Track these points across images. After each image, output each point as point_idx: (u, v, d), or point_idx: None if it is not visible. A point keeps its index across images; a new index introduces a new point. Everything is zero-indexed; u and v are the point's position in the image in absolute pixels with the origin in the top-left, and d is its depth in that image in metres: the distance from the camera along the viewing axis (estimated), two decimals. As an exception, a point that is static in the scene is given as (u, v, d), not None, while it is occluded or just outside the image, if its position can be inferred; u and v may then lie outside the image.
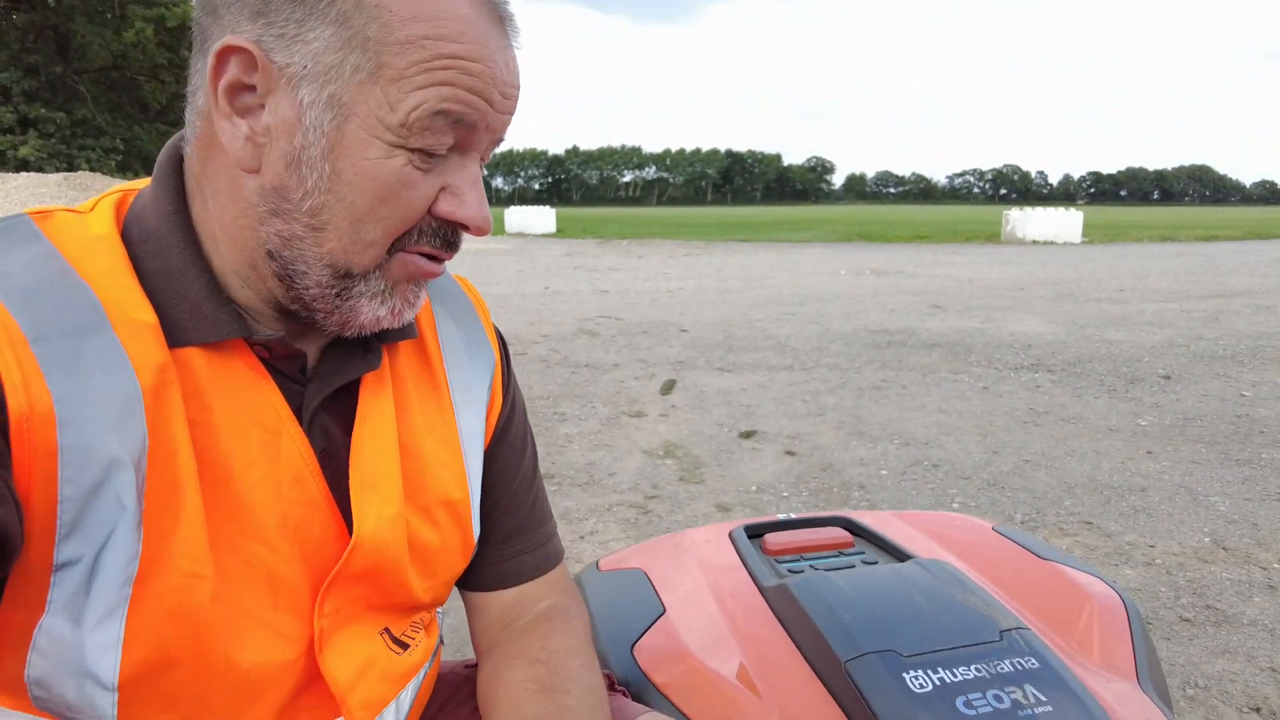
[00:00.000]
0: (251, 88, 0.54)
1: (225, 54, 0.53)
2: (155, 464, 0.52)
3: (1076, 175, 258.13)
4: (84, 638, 0.51)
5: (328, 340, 0.65)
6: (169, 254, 0.57)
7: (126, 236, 0.57)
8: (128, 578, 0.51)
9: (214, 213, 0.58)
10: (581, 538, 2.80)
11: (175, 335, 0.55)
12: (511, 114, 0.59)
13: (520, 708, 0.67)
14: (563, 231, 26.90)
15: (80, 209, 0.59)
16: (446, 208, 0.58)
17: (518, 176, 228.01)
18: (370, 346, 0.65)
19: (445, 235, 0.59)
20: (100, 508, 0.50)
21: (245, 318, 0.59)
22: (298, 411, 0.61)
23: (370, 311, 0.59)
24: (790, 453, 3.75)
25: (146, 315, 0.54)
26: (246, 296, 0.59)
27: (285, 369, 0.61)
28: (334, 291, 0.57)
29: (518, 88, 0.58)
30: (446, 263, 0.63)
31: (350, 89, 0.53)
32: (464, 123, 0.55)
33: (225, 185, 0.57)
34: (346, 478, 0.63)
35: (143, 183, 0.62)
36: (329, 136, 0.53)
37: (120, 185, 0.63)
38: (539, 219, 27.73)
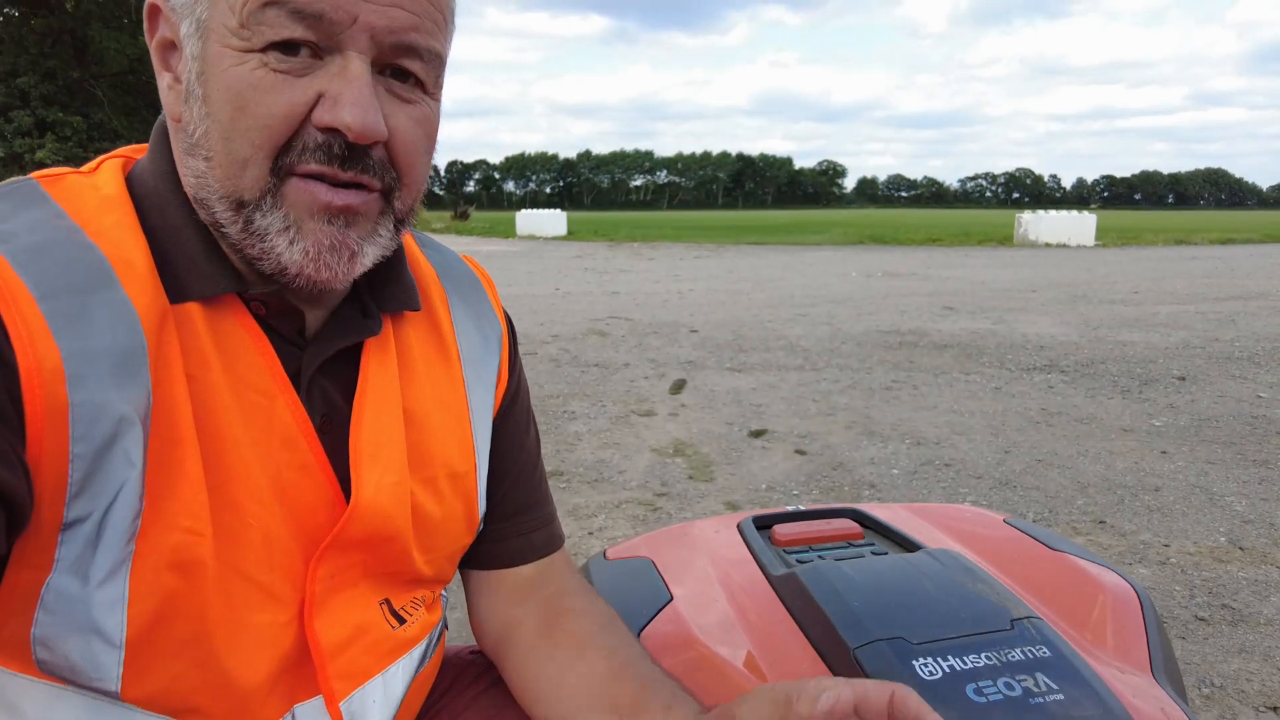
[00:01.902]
0: (174, 42, 0.56)
1: (151, 14, 0.57)
2: (158, 420, 0.52)
3: (1090, 179, 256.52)
4: (91, 594, 0.51)
5: (329, 308, 0.64)
6: (167, 211, 0.57)
7: (131, 196, 0.58)
8: (132, 534, 0.51)
9: (180, 174, 0.58)
10: (590, 534, 2.80)
11: (175, 291, 0.55)
12: (402, 7, 0.53)
13: (592, 642, 0.72)
14: (573, 234, 26.93)
15: (84, 170, 0.59)
16: (319, 112, 0.53)
17: (529, 180, 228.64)
18: (369, 313, 0.65)
19: (331, 149, 0.53)
20: (110, 465, 0.50)
21: (241, 275, 0.59)
22: (295, 375, 0.61)
23: (286, 252, 0.54)
24: (800, 452, 3.73)
25: (149, 269, 0.54)
26: (235, 257, 0.59)
27: (282, 329, 0.61)
28: (240, 227, 0.55)
29: None
30: (369, 195, 0.57)
31: (207, 7, 0.53)
32: (308, 13, 0.51)
33: (175, 143, 0.58)
34: (348, 444, 0.62)
35: (141, 149, 0.63)
36: (199, 60, 0.53)
37: (121, 150, 0.63)
38: (550, 222, 27.78)
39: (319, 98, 0.53)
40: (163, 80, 0.57)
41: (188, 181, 0.57)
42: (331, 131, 0.53)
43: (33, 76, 27.68)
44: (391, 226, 0.60)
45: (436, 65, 0.57)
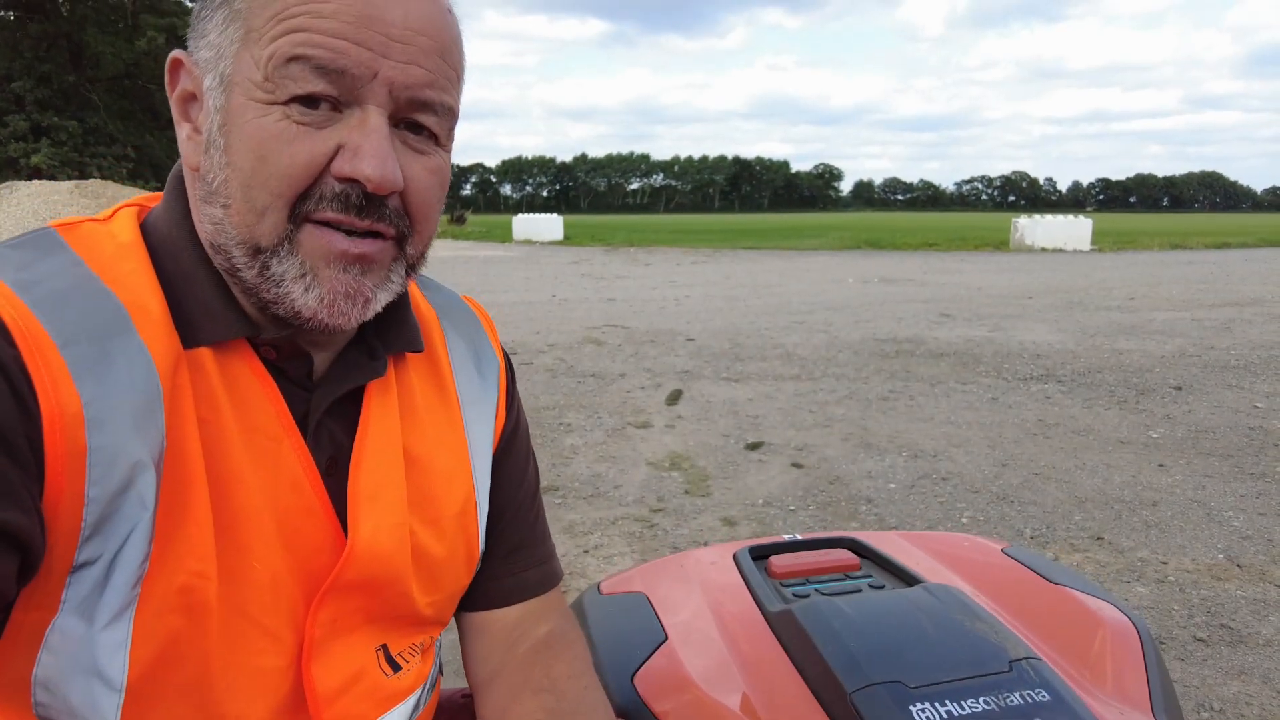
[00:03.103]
0: (195, 94, 0.58)
1: (173, 68, 0.59)
2: (170, 464, 0.53)
3: (1085, 182, 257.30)
4: (95, 636, 0.51)
5: (336, 350, 0.65)
6: (180, 258, 0.58)
7: (145, 244, 0.59)
8: (139, 577, 0.52)
9: (195, 221, 0.60)
10: (586, 551, 2.78)
11: (188, 336, 0.56)
12: (419, 64, 0.55)
13: None
14: (570, 239, 26.95)
15: (99, 218, 0.61)
16: (338, 163, 0.54)
17: (526, 184, 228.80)
18: (376, 355, 0.66)
19: (349, 199, 0.55)
20: (124, 508, 0.51)
21: (253, 321, 0.60)
22: (303, 418, 0.61)
23: (301, 298, 0.55)
24: (797, 465, 3.72)
25: (163, 316, 0.55)
26: (246, 303, 0.60)
27: (291, 372, 0.62)
28: (255, 273, 0.56)
29: (423, 33, 0.55)
30: (384, 244, 0.58)
31: (231, 62, 0.55)
32: (331, 69, 0.53)
33: (192, 191, 0.60)
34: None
35: (157, 197, 0.64)
36: (222, 112, 0.55)
37: (137, 197, 0.65)
38: (546, 226, 27.79)
39: (338, 149, 0.54)
40: (182, 130, 0.59)
41: (204, 228, 0.58)
42: (350, 181, 0.54)
43: (28, 81, 27.63)
44: (403, 272, 0.61)
45: (449, 119, 0.60)
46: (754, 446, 4.00)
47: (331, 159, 0.54)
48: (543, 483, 0.85)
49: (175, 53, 0.58)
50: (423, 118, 0.57)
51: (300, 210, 0.55)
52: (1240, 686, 1.99)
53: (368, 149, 0.54)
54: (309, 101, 0.54)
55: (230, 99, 0.54)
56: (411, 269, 0.62)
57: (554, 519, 3.00)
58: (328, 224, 0.56)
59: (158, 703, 0.54)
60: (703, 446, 4.00)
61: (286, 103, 0.53)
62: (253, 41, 0.54)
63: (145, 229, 0.60)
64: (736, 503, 3.25)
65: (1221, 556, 2.75)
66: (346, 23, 0.53)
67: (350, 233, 0.56)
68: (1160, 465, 3.69)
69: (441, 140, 0.60)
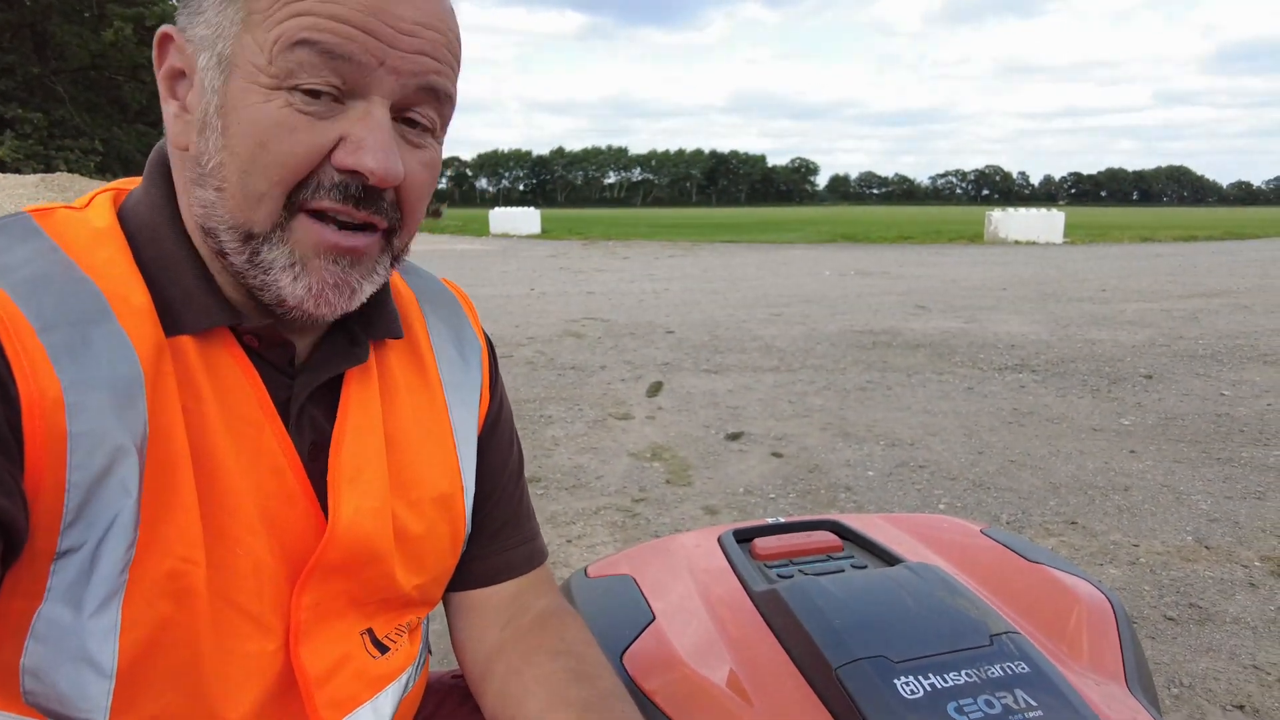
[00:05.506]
0: (185, 71, 0.57)
1: (162, 43, 0.57)
2: (154, 450, 0.53)
3: (1057, 176, 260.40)
4: (84, 624, 0.51)
5: (318, 336, 0.65)
6: (162, 244, 0.58)
7: (123, 230, 0.58)
8: (126, 563, 0.52)
9: (182, 205, 0.59)
10: (569, 541, 2.79)
11: (169, 323, 0.56)
12: (426, 54, 0.55)
13: (562, 693, 0.68)
14: (548, 233, 26.84)
15: (75, 205, 0.60)
16: (340, 155, 0.54)
17: (502, 178, 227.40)
18: (357, 341, 0.66)
19: (348, 190, 0.55)
20: (106, 494, 0.51)
21: (235, 308, 0.59)
22: (285, 404, 0.62)
23: (289, 287, 0.56)
24: (777, 454, 3.75)
25: (145, 303, 0.55)
26: (229, 290, 0.60)
27: (274, 359, 0.62)
28: (245, 258, 0.56)
29: (430, 26, 0.55)
30: (374, 236, 0.58)
31: (231, 43, 0.54)
32: (338, 55, 0.52)
33: (180, 172, 0.59)
34: None
35: (134, 182, 0.63)
36: (220, 94, 0.54)
37: (114, 183, 0.64)
38: (524, 220, 27.66)
39: (340, 140, 0.54)
40: (169, 108, 0.57)
41: (194, 211, 0.57)
42: (350, 173, 0.54)
43: (-9, 72, 26.99)
44: (388, 263, 0.62)
45: (449, 107, 0.60)
46: (734, 437, 4.03)
47: (332, 150, 0.54)
48: (524, 474, 0.85)
49: (166, 28, 0.57)
50: (426, 110, 0.58)
51: (296, 199, 0.54)
52: (1209, 663, 2.05)
53: (372, 142, 0.54)
54: (313, 93, 0.53)
55: (230, 81, 0.53)
56: (396, 260, 0.63)
57: (536, 510, 3.01)
58: (323, 213, 0.55)
59: (148, 689, 0.54)
60: (683, 437, 4.02)
61: (290, 90, 0.53)
62: (256, 25, 0.52)
63: (123, 214, 0.59)
64: (718, 491, 3.27)
65: (1190, 539, 2.81)
66: (355, 10, 0.52)
67: (343, 225, 0.56)
68: (1131, 451, 3.76)
69: (438, 132, 0.60)
